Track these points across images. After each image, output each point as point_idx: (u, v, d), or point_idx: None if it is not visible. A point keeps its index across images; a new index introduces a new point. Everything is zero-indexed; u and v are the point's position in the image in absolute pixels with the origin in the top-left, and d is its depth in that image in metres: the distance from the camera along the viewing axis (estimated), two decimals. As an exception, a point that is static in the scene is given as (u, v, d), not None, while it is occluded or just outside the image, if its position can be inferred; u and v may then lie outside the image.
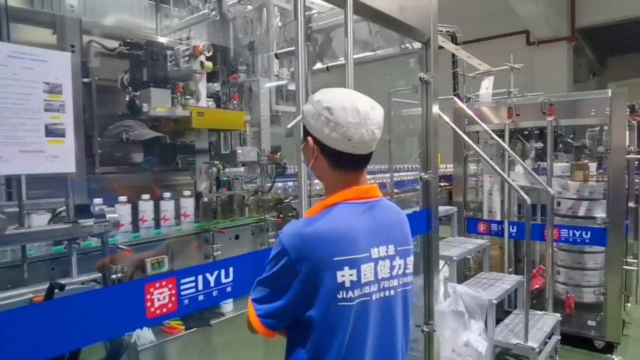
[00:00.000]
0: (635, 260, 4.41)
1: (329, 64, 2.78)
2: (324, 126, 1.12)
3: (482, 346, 2.91)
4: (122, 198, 1.78)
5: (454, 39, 4.14)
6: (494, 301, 2.99)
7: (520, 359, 3.56)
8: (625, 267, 4.05)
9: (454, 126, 3.45)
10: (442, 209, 3.80)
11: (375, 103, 1.19)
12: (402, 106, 3.69)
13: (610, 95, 3.74)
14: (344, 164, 1.17)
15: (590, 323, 3.94)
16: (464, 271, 4.34)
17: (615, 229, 3.77)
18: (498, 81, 4.43)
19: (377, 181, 3.59)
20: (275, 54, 2.40)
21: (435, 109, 2.80)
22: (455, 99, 4.07)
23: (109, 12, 2.45)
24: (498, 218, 4.29)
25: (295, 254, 1.08)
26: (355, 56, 3.15)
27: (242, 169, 2.27)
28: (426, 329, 2.68)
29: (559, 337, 3.58)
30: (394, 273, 1.19)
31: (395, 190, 3.88)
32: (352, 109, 1.12)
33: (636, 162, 4.39)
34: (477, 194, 4.64)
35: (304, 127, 1.21)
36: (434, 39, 2.72)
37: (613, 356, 3.79)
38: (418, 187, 2.86)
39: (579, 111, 3.92)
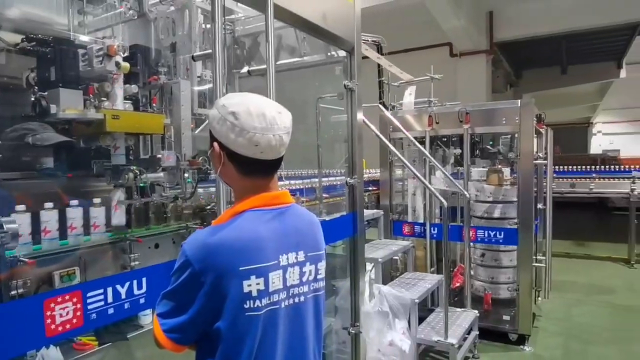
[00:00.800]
0: (544, 257, 4.80)
1: (251, 68, 2.77)
2: (230, 131, 1.11)
3: (406, 345, 3.02)
4: (21, 207, 1.65)
5: (379, 49, 4.30)
6: (416, 300, 3.12)
7: (442, 355, 3.74)
8: (535, 264, 4.39)
9: (378, 133, 3.57)
10: (369, 213, 3.91)
11: (283, 108, 1.19)
12: (332, 112, 3.76)
13: (519, 105, 4.05)
14: (252, 170, 1.16)
15: (505, 317, 4.23)
16: (391, 272, 4.49)
17: (526, 229, 4.08)
18: (423, 91, 4.65)
19: (307, 186, 3.62)
20: (193, 56, 2.35)
21: (360, 115, 2.88)
22: (381, 106, 4.22)
23: (14, 3, 2.26)
24: (421, 220, 4.49)
25: (199, 265, 1.05)
26: (282, 62, 3.19)
27: (161, 174, 2.19)
28: (353, 331, 2.74)
29: (477, 332, 3.81)
30: (304, 279, 1.19)
31: (325, 195, 3.93)
32: (258, 114, 1.11)
33: (544, 167, 4.77)
34: (403, 198, 4.83)
35: (210, 132, 1.18)
36: (358, 48, 2.81)
37: (524, 347, 4.09)
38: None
39: (493, 120, 4.21)
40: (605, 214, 11.77)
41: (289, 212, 1.21)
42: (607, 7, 8.63)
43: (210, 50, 1.88)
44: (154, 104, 2.36)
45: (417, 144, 3.96)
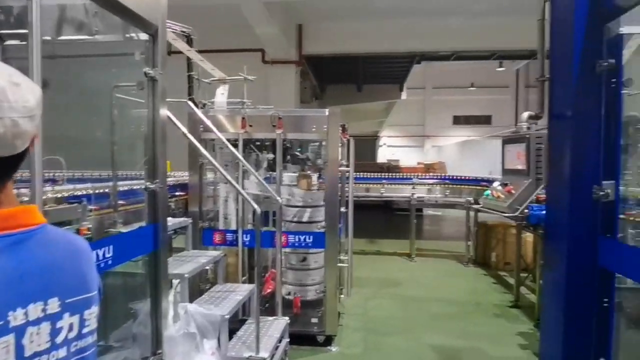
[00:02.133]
0: (346, 257, 5.12)
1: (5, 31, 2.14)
2: None
3: (215, 366, 2.75)
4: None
5: (189, 41, 3.94)
6: (227, 316, 2.87)
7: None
8: (339, 264, 4.62)
9: (186, 132, 3.21)
10: (175, 221, 3.51)
11: (26, 79, 0.80)
12: (132, 105, 3.24)
13: (327, 114, 4.21)
14: None
15: (314, 320, 4.32)
16: (200, 285, 4.15)
17: (332, 231, 4.25)
18: (235, 92, 4.45)
19: (98, 190, 3.01)
20: None
21: (164, 111, 2.50)
22: (190, 103, 3.86)
23: None
24: (233, 227, 4.27)
25: None
26: (68, 37, 2.58)
27: None
28: (153, 361, 2.34)
29: (288, 340, 3.77)
30: (58, 340, 0.81)
31: (121, 202, 3.37)
32: None
33: (347, 174, 5.09)
34: (214, 203, 4.54)
35: None
36: (163, 33, 2.43)
37: (331, 347, 4.24)
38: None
39: (303, 126, 4.28)
40: (390, 214, 13.64)
41: (31, 241, 0.81)
42: (393, 36, 9.94)
43: None
44: None
45: (230, 146, 3.73)
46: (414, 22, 9.66)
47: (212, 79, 4.37)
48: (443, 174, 9.91)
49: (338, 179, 4.43)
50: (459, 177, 8.35)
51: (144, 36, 2.43)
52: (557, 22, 2.56)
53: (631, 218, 2.76)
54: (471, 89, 23.19)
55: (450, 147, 22.34)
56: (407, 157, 23.06)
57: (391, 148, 25.90)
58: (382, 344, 4.41)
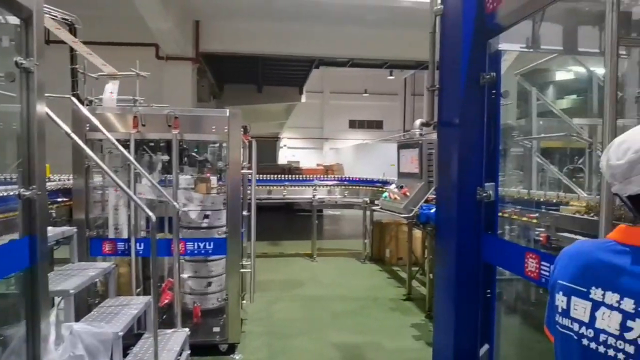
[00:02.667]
0: (249, 262, 5.02)
1: None
2: None
3: (107, 389, 2.50)
4: None
5: (72, 30, 3.54)
6: (120, 333, 2.63)
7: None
8: (242, 270, 4.52)
9: (69, 130, 2.88)
10: (57, 231, 3.13)
11: None
12: (4, 100, 2.82)
13: (228, 114, 4.09)
14: None
15: (216, 329, 4.16)
16: (88, 300, 3.77)
17: (234, 236, 4.14)
18: (126, 89, 4.11)
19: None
20: None
21: (42, 107, 2.21)
22: (74, 99, 3.47)
23: None
24: (125, 236, 3.95)
25: None
26: None
27: None
28: (28, 394, 2.05)
29: (189, 352, 3.58)
30: None
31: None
32: None
33: (249, 176, 5.00)
34: (103, 210, 4.16)
35: None
36: (39, 18, 2.15)
37: (234, 356, 4.12)
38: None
39: (202, 127, 4.10)
40: (293, 215, 13.75)
41: None
42: (293, 40, 10.04)
43: None
44: None
45: (120, 147, 3.43)
46: (312, 28, 9.86)
47: (101, 74, 3.99)
48: (341, 176, 10.25)
49: (240, 181, 4.32)
50: (356, 179, 8.69)
51: (14, 20, 2.12)
52: (447, 37, 2.77)
53: (506, 215, 3.10)
54: (365, 95, 24.36)
55: (347, 149, 23.23)
56: (307, 158, 23.51)
57: (291, 150, 26.18)
58: (287, 347, 4.40)
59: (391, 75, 19.24)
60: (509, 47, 2.64)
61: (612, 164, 1.05)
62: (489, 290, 2.73)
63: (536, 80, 4.25)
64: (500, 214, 3.02)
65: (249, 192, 4.97)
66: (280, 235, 10.55)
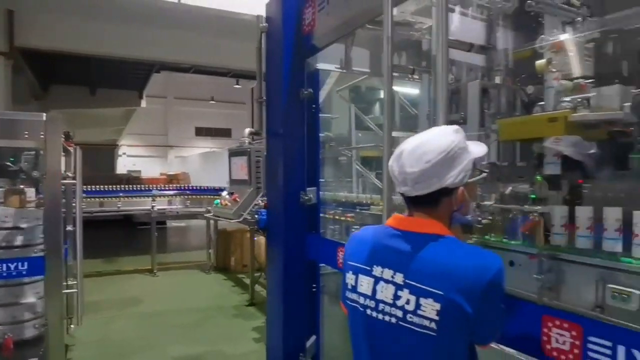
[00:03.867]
0: (75, 282, 4.56)
1: None
2: None
3: None
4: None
5: None
6: None
7: None
8: (65, 290, 4.09)
9: None
10: None
11: None
12: None
13: (45, 119, 3.69)
14: None
15: None
16: None
17: (54, 254, 3.73)
18: None
19: None
20: None
21: None
22: None
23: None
24: None
25: None
26: None
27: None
28: None
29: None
30: None
31: None
32: None
33: (73, 187, 4.57)
34: None
35: None
36: None
37: (55, 385, 3.71)
38: None
39: (14, 132, 3.62)
40: (131, 229, 12.80)
41: None
42: (130, 42, 9.44)
43: None
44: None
45: None
46: (152, 31, 9.39)
47: None
48: (187, 185, 9.96)
49: (61, 193, 3.93)
50: (198, 188, 8.55)
51: None
52: (271, 53, 2.99)
53: (329, 216, 3.44)
54: (212, 102, 24.00)
55: (193, 157, 22.50)
56: (151, 167, 22.08)
57: (132, 158, 24.29)
58: (122, 368, 4.13)
59: (238, 84, 19.38)
60: (325, 66, 2.95)
61: (407, 170, 1.21)
62: (314, 285, 3.01)
63: (365, 98, 4.81)
64: (325, 215, 3.36)
65: (73, 204, 4.54)
66: (118, 251, 9.76)
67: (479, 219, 2.02)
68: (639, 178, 1.70)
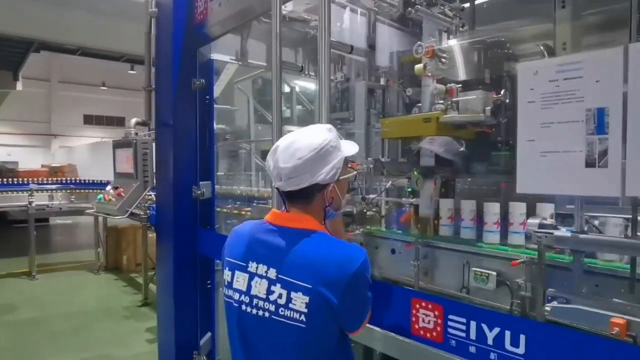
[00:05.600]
0: None
1: None
2: None
3: None
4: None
5: None
6: None
7: None
8: None
9: None
10: None
11: None
12: None
13: None
14: None
15: None
16: None
17: None
18: None
19: None
20: None
21: None
22: None
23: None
24: None
25: None
26: None
27: None
28: None
29: None
30: None
31: None
32: None
33: None
34: None
35: None
36: None
37: None
38: None
39: None
40: (6, 228, 11.36)
41: None
42: (1, 14, 8.33)
43: None
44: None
45: None
46: (30, 7, 8.37)
47: None
48: (72, 178, 9.12)
49: None
50: (84, 181, 7.87)
51: None
52: (160, 39, 2.83)
53: (225, 211, 3.39)
54: (103, 88, 22.15)
55: (81, 148, 20.57)
56: (30, 158, 19.73)
57: (7, 147, 21.51)
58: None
59: (132, 69, 18.13)
60: (220, 57, 2.88)
61: (280, 165, 1.24)
62: (209, 282, 2.95)
63: (268, 91, 4.75)
64: (221, 209, 3.29)
65: None
66: (-12, 252, 8.64)
67: (364, 210, 2.14)
68: (497, 173, 1.93)
